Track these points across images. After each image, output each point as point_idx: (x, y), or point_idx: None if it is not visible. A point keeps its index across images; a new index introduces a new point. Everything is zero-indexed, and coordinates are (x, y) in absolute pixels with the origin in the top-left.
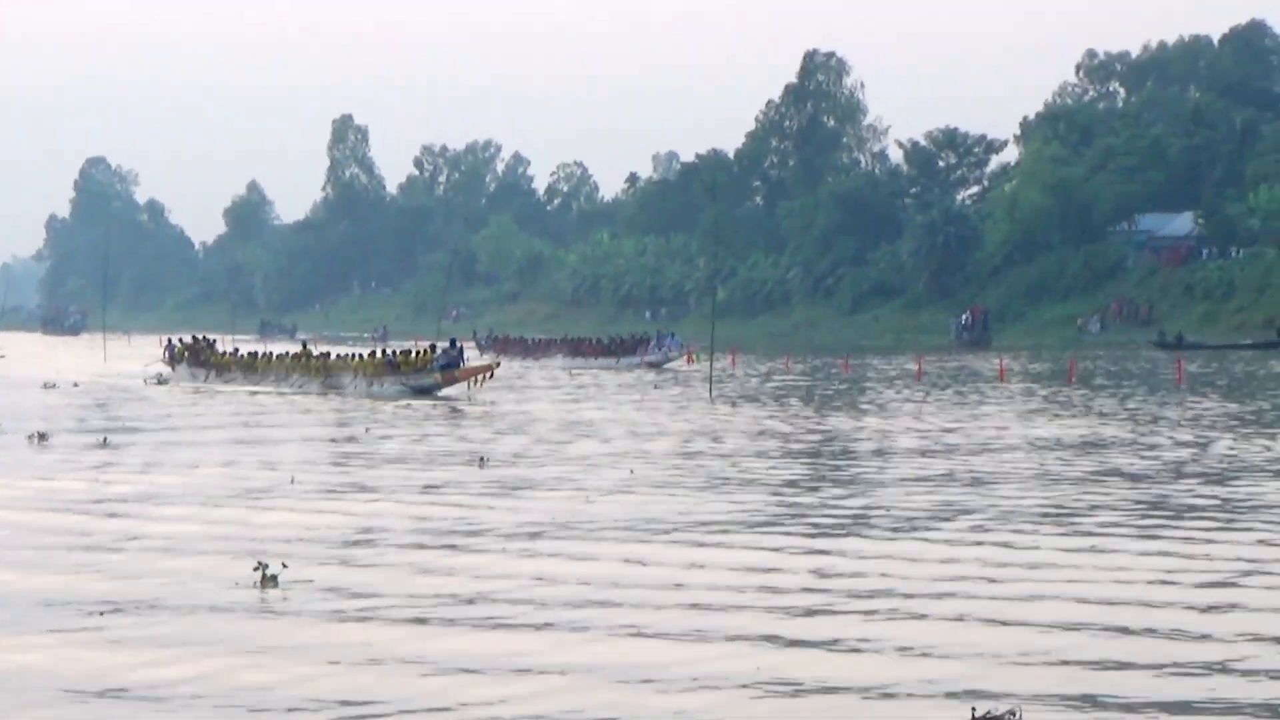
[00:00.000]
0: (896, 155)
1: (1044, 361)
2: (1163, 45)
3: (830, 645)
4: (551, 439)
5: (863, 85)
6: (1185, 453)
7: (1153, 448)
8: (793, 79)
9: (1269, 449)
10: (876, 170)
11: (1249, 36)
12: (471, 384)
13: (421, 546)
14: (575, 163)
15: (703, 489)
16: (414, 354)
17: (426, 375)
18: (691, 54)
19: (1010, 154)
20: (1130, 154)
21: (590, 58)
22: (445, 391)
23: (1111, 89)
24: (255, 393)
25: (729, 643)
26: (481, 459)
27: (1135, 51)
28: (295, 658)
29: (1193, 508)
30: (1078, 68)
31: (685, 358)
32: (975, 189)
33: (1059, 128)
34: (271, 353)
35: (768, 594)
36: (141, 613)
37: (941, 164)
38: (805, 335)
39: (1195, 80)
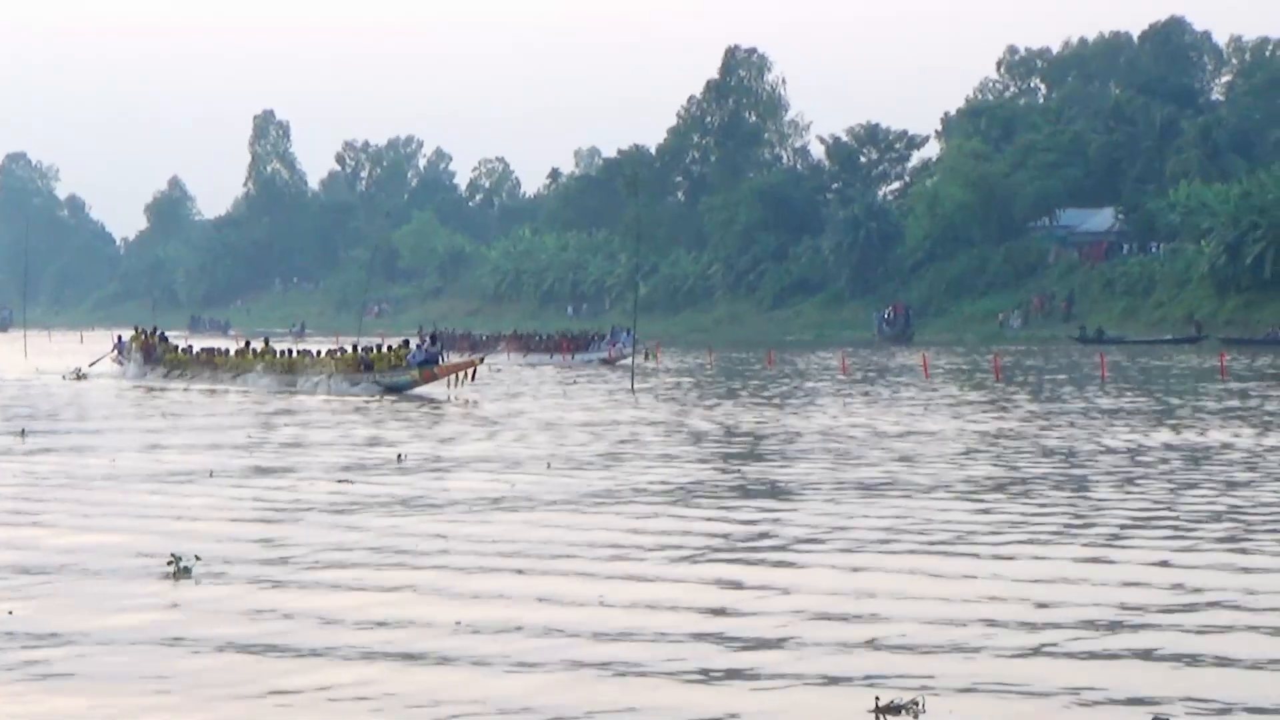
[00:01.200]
0: (818, 151)
1: (967, 357)
2: (1083, 42)
3: (736, 641)
4: (468, 433)
5: (784, 81)
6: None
7: (1087, 442)
8: (714, 75)
9: (1186, 440)
10: (798, 166)
11: (1169, 33)
12: (453, 381)
13: (336, 545)
14: (497, 158)
15: (615, 480)
16: (388, 350)
17: (402, 372)
18: (614, 50)
19: (931, 150)
20: (1051, 150)
21: (512, 54)
22: (423, 390)
23: (1032, 85)
24: (213, 391)
25: (631, 639)
26: (400, 456)
27: (1056, 48)
28: (209, 649)
29: (1136, 515)
30: (999, 64)
31: (643, 354)
32: (897, 185)
33: (980, 124)
34: (230, 349)
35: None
36: (48, 602)
37: (863, 160)
38: (727, 331)
39: (1116, 76)
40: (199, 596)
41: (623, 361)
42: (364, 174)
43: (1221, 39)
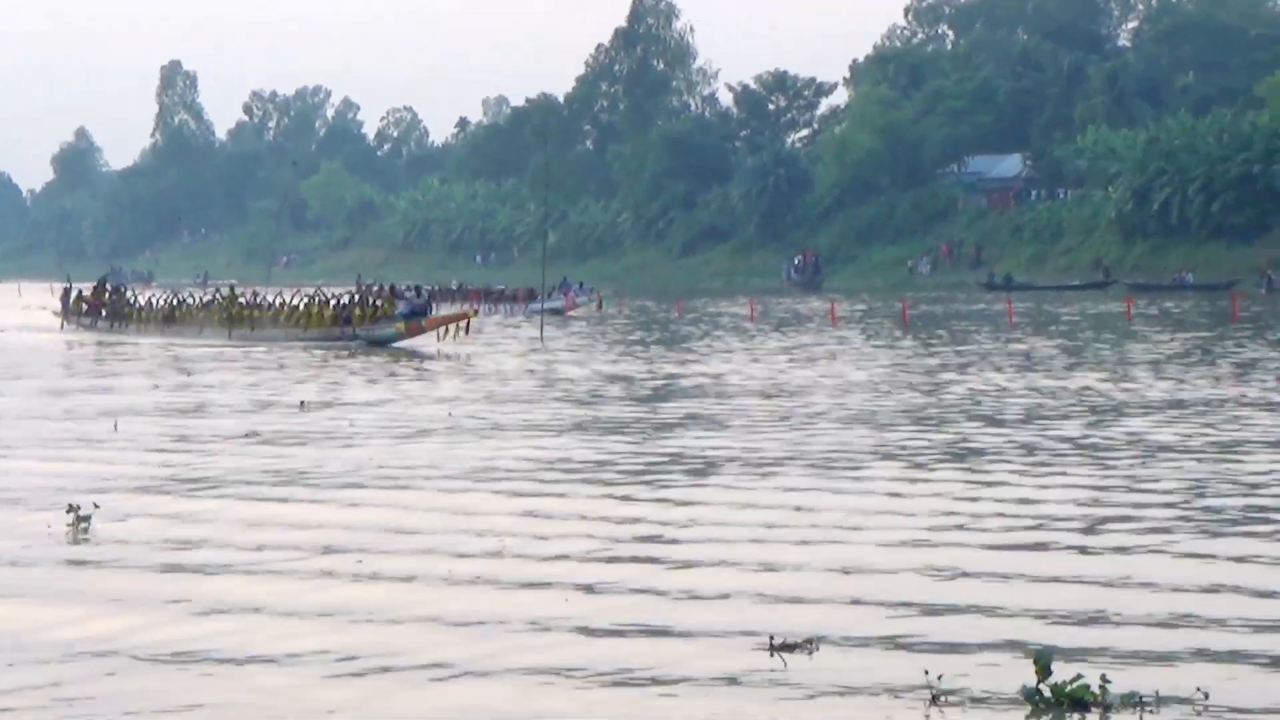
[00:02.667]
0: (727, 99)
1: (876, 303)
2: None
3: (627, 589)
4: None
5: (692, 29)
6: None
7: (997, 387)
8: (622, 23)
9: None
10: (707, 114)
11: None
12: (443, 334)
13: (243, 495)
14: (405, 108)
15: (511, 431)
16: (371, 302)
17: (386, 325)
18: None
19: (840, 97)
20: (959, 97)
21: (420, 3)
22: (408, 343)
23: (940, 32)
24: (173, 345)
25: (527, 589)
26: (302, 403)
27: None
28: (110, 603)
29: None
30: (906, 10)
31: (596, 304)
32: (805, 132)
33: (889, 71)
34: (191, 302)
35: (569, 540)
36: None
37: (771, 107)
38: (637, 279)
39: (1023, 23)
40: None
41: (573, 313)
42: (271, 124)
43: None
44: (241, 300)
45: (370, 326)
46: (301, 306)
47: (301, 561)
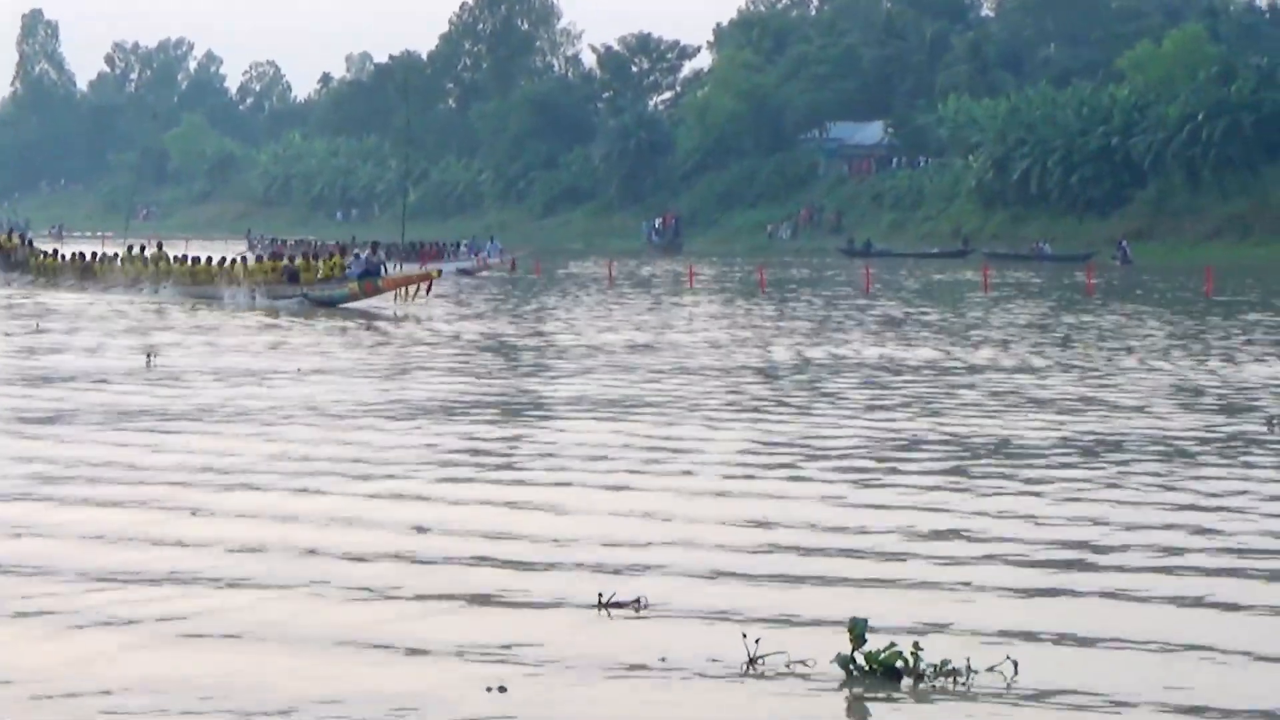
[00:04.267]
0: (590, 60)
1: (734, 267)
2: None
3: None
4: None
5: None
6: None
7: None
8: None
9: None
10: (570, 75)
11: None
12: (401, 295)
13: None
14: (268, 62)
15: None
16: (320, 259)
17: (337, 285)
18: None
19: (704, 61)
20: (823, 62)
21: None
22: (360, 304)
23: None
24: (90, 303)
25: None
26: (148, 356)
27: None
28: None
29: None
30: None
31: (510, 265)
32: (668, 95)
33: (752, 35)
34: (115, 254)
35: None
36: None
37: (635, 69)
38: (500, 237)
39: None
40: None
41: (484, 273)
42: (134, 76)
43: None
44: (170, 255)
45: (319, 286)
46: (241, 263)
47: None
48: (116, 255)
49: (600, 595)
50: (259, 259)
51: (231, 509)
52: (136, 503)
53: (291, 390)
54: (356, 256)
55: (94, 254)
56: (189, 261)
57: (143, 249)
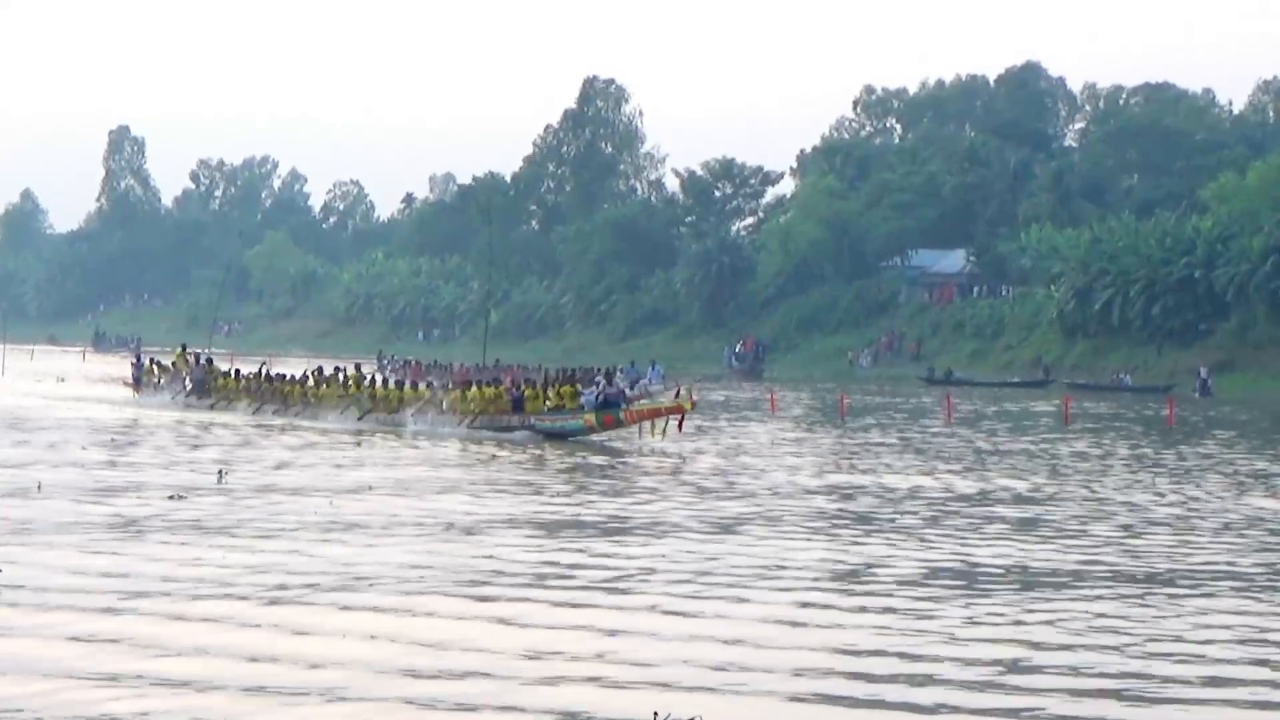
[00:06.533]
0: (673, 184)
1: (816, 393)
2: (940, 84)
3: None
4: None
5: (641, 113)
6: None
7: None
8: (572, 104)
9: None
10: (653, 198)
11: (1024, 77)
12: (651, 429)
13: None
14: (352, 181)
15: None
16: (548, 387)
17: (571, 416)
18: (471, 75)
19: (787, 186)
20: (905, 190)
21: (370, 75)
22: (598, 436)
23: (888, 125)
24: (286, 427)
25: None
26: (220, 473)
27: (913, 89)
28: None
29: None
30: (855, 103)
31: (675, 392)
32: (750, 220)
33: (835, 161)
34: (308, 377)
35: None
36: None
37: (718, 194)
38: (578, 360)
39: (971, 119)
40: None
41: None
42: (218, 192)
43: (1076, 85)
44: (366, 377)
45: (549, 415)
46: (456, 389)
47: None
48: (307, 377)
49: (655, 713)
50: (448, 386)
51: None
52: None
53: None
54: (596, 383)
55: (281, 376)
56: (393, 387)
57: (337, 371)
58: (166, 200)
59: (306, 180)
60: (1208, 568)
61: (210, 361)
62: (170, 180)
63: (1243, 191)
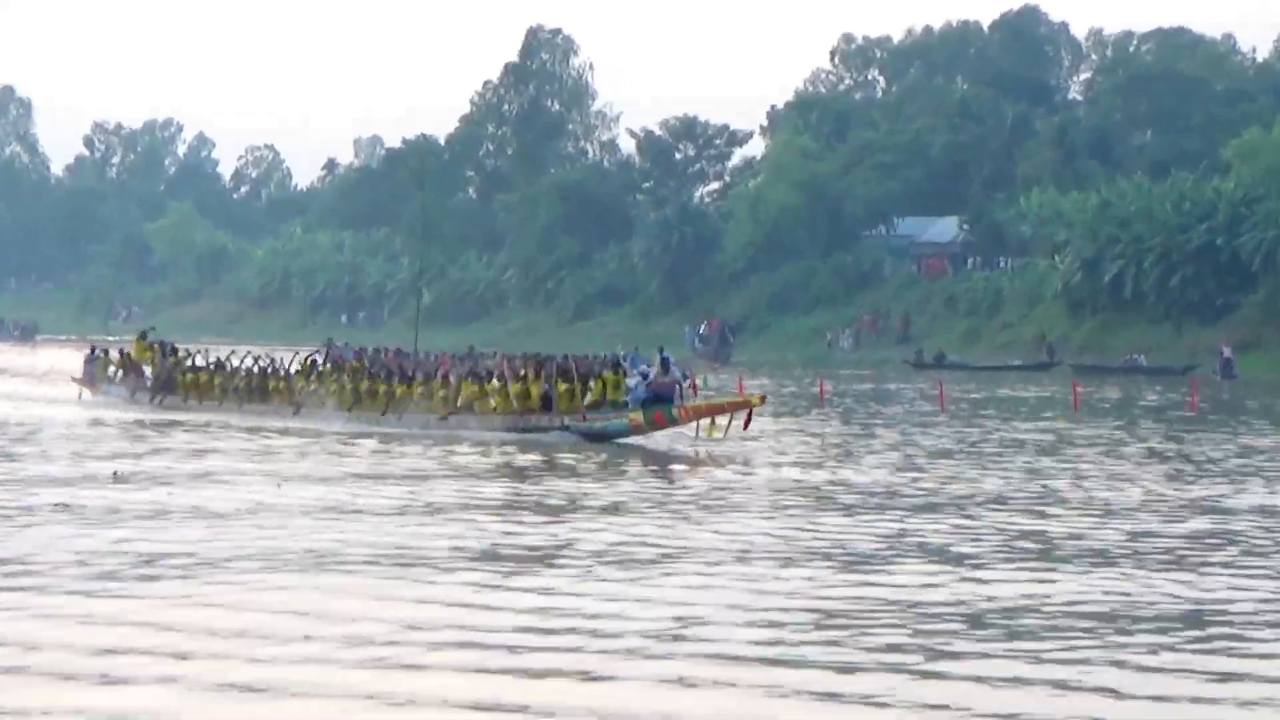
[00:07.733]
0: (628, 145)
1: (790, 379)
2: (928, 31)
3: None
4: None
5: (592, 67)
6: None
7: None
8: (513, 57)
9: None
10: (605, 162)
11: (1022, 23)
12: (712, 427)
13: None
14: (266, 146)
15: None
16: (581, 378)
17: (615, 415)
18: (400, 25)
19: (756, 147)
20: (889, 150)
21: (286, 30)
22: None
23: (870, 78)
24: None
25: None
26: (115, 473)
27: (897, 37)
28: None
29: None
30: (833, 53)
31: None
32: (716, 185)
33: (811, 118)
34: (287, 369)
35: None
36: None
37: (678, 156)
38: (523, 344)
39: (963, 70)
40: None
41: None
42: (115, 159)
43: (1080, 31)
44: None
45: (588, 414)
46: (473, 382)
47: None
48: (293, 368)
49: None
50: (443, 377)
51: None
52: None
53: None
54: (642, 376)
55: (264, 369)
56: (386, 379)
57: (322, 361)
58: (57, 169)
59: (215, 145)
60: None
61: (175, 351)
62: (61, 147)
63: (1269, 148)
